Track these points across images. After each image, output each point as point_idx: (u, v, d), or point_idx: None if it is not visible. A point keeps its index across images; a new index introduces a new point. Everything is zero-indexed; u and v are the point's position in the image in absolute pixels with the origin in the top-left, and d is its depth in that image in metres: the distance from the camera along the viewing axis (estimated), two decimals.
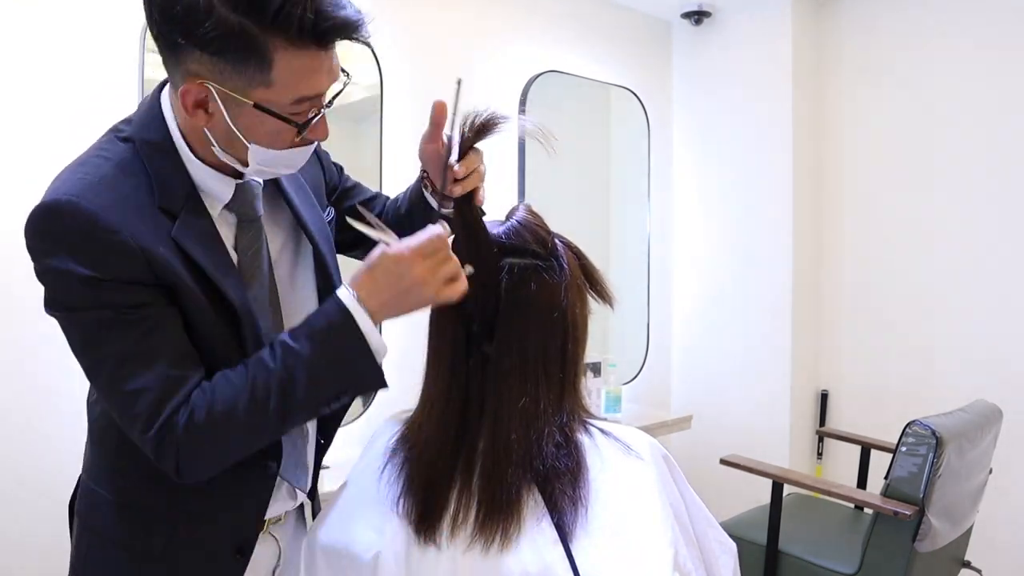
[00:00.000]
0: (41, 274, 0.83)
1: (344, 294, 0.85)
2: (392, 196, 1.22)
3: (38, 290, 0.85)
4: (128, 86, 1.73)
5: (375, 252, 0.86)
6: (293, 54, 0.78)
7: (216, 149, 0.87)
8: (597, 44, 2.89)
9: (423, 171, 1.07)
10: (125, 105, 1.34)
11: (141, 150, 0.87)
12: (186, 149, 0.88)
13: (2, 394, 1.63)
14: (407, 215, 1.13)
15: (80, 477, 1.01)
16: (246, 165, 0.88)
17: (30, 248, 0.82)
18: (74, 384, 1.64)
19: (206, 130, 0.85)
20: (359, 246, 1.23)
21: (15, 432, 1.63)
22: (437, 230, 0.85)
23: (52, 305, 0.84)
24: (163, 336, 0.83)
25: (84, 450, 1.01)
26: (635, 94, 2.98)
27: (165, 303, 0.84)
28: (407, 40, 2.31)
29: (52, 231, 0.81)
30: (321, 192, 1.12)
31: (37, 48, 1.65)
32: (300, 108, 0.83)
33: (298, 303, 1.02)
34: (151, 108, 0.90)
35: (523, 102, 2.59)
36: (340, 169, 1.21)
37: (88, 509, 0.98)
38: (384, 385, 0.87)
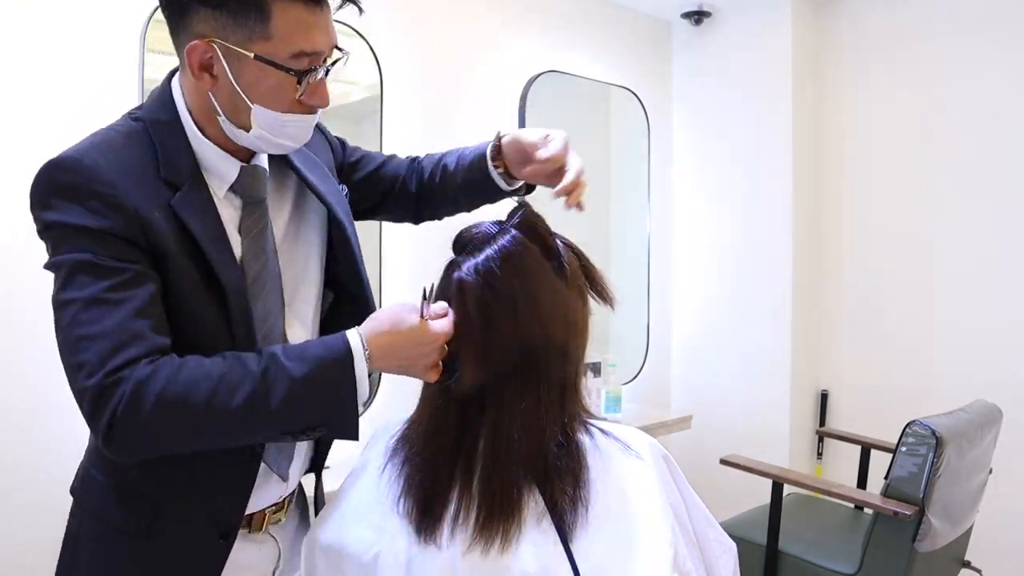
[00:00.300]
0: (41, 231, 0.86)
1: (355, 340, 0.85)
2: (412, 157, 1.25)
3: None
4: (128, 86, 1.73)
5: (410, 317, 0.87)
6: (289, 5, 0.84)
7: (222, 119, 0.90)
8: (597, 44, 2.89)
9: (495, 149, 1.11)
10: (125, 105, 1.33)
11: (151, 128, 0.91)
12: (193, 127, 0.92)
13: (2, 394, 1.63)
14: (464, 186, 1.15)
15: (80, 464, 1.02)
16: (249, 131, 0.90)
17: (33, 203, 0.85)
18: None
19: (211, 96, 0.88)
20: (378, 212, 1.26)
21: (15, 433, 1.63)
22: (452, 319, 0.88)
23: (50, 259, 0.85)
24: (136, 291, 0.83)
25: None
26: (635, 94, 2.98)
27: (149, 267, 0.85)
28: (407, 40, 2.31)
29: (53, 184, 0.84)
30: (335, 171, 1.15)
31: (37, 48, 1.65)
32: (299, 63, 0.86)
33: (300, 284, 1.03)
34: (162, 92, 0.94)
35: (523, 102, 2.59)
36: (343, 143, 1.22)
37: (83, 491, 0.99)
38: (356, 437, 0.86)
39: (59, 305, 0.82)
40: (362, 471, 0.99)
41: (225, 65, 0.85)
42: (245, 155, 0.96)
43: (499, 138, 1.14)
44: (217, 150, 0.93)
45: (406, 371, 0.89)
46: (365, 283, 1.07)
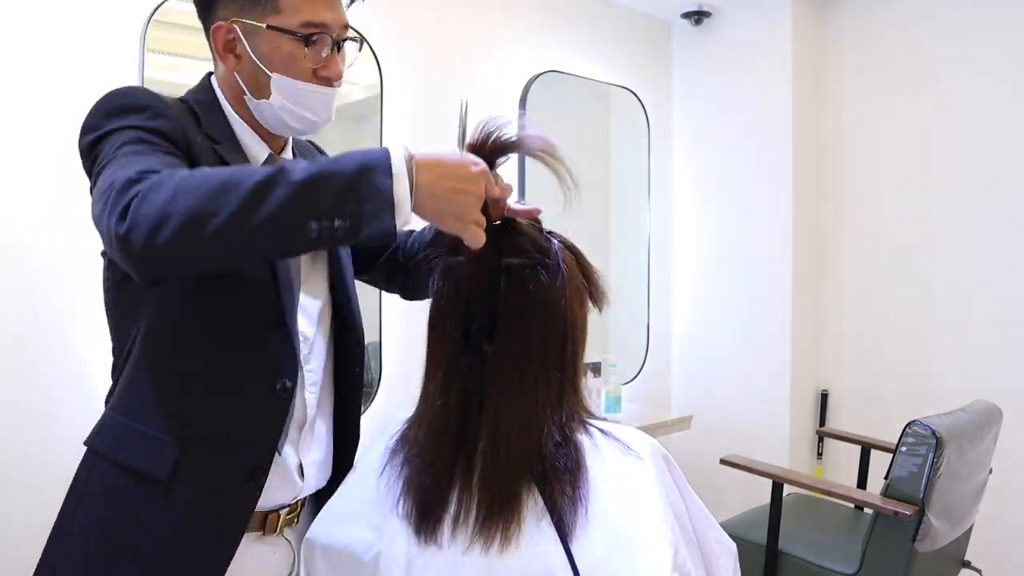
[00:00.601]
0: (88, 152, 0.89)
1: (394, 145, 0.78)
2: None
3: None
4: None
5: (447, 148, 0.83)
6: None
7: (248, 98, 0.98)
8: (597, 44, 2.89)
9: None
10: None
11: (193, 104, 0.99)
12: (229, 107, 1.01)
13: (2, 394, 1.63)
14: (428, 245, 1.13)
15: (100, 417, 0.99)
16: (270, 99, 0.97)
17: (84, 131, 0.90)
18: (72, 383, 1.64)
19: (236, 75, 0.98)
20: (371, 271, 1.26)
21: (14, 431, 1.63)
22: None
23: (95, 168, 0.86)
24: (174, 160, 0.86)
25: (107, 395, 1.01)
26: (635, 94, 2.98)
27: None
28: (407, 40, 2.31)
29: (106, 108, 0.90)
30: None
31: (37, 48, 1.65)
32: (307, 31, 0.95)
33: (310, 292, 1.05)
34: (200, 83, 1.04)
35: (523, 102, 2.59)
36: None
37: (101, 436, 0.97)
38: (392, 234, 0.76)
39: (98, 175, 0.83)
40: (362, 472, 0.99)
41: (244, 41, 0.96)
42: (275, 148, 1.04)
43: None
44: (250, 130, 1.01)
45: (453, 202, 0.80)
46: (355, 311, 1.11)
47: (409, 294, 1.27)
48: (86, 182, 0.88)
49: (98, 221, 0.78)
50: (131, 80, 1.73)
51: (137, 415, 0.94)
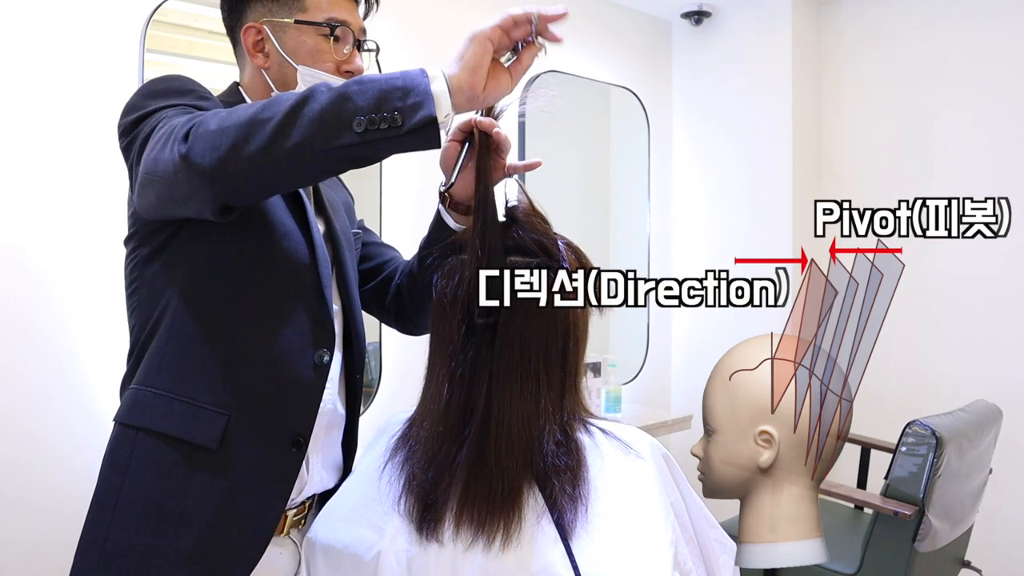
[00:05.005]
0: (131, 127, 0.92)
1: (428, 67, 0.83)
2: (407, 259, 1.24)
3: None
4: (128, 86, 1.72)
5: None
6: None
7: (275, 93, 1.02)
8: (597, 44, 2.89)
9: (440, 193, 1.08)
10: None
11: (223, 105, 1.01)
12: None
13: (2, 395, 1.63)
14: (425, 245, 1.13)
15: (127, 392, 0.99)
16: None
17: (129, 107, 0.95)
18: (69, 388, 1.64)
19: (264, 73, 1.04)
20: (365, 285, 1.25)
21: (13, 438, 1.63)
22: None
23: (135, 145, 0.91)
24: None
25: (122, 378, 1.02)
26: (635, 94, 2.98)
27: None
28: (406, 40, 2.31)
29: (156, 86, 0.97)
30: (353, 217, 1.23)
31: (37, 48, 1.65)
32: (331, 24, 1.03)
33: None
34: (229, 88, 1.09)
35: (522, 102, 2.58)
36: (361, 221, 1.29)
37: (139, 410, 0.96)
38: (436, 140, 0.81)
39: (146, 138, 0.88)
40: (363, 471, 0.99)
41: (273, 39, 1.02)
42: None
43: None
44: None
45: (474, 54, 0.84)
46: (359, 320, 1.12)
47: (406, 325, 1.25)
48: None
49: (158, 158, 0.84)
50: (131, 80, 1.73)
51: (179, 387, 0.95)
